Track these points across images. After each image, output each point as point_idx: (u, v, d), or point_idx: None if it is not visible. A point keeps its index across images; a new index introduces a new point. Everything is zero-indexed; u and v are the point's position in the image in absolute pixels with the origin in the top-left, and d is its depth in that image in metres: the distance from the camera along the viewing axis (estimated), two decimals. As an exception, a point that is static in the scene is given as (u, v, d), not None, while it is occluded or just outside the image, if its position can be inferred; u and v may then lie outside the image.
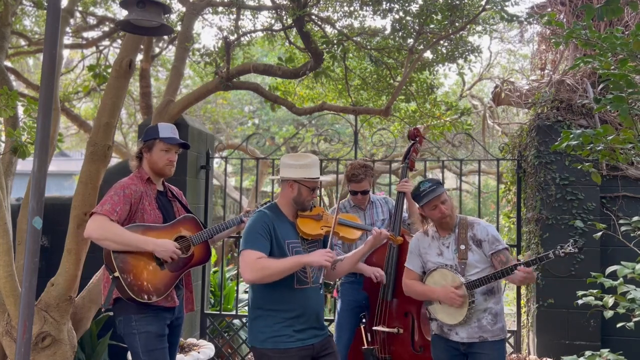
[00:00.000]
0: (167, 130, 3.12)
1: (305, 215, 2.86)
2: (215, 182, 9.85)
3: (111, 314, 3.03)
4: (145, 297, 2.88)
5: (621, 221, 3.02)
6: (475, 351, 3.08)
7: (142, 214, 2.98)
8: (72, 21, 6.89)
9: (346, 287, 3.91)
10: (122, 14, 8.30)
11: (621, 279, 2.54)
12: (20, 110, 4.28)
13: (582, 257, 4.69)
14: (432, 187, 3.07)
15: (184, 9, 5.91)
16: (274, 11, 5.48)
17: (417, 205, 3.18)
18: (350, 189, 3.81)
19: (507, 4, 4.59)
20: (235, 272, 7.03)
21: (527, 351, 5.03)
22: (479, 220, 3.19)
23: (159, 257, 2.90)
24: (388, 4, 4.83)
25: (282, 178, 2.81)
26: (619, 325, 2.71)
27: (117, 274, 2.85)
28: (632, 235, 3.05)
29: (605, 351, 2.53)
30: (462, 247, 3.08)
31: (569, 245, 2.80)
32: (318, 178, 2.81)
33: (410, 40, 5.12)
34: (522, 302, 5.13)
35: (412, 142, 3.96)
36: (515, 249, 5.14)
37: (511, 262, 2.99)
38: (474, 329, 3.06)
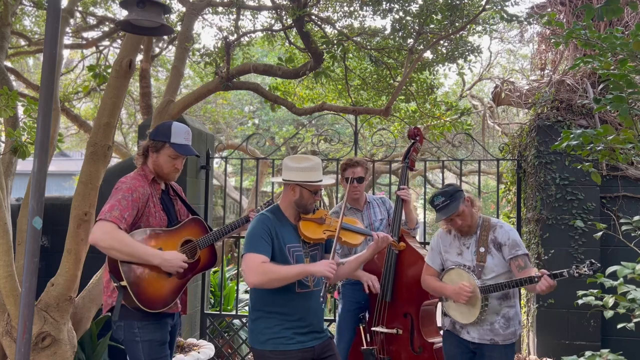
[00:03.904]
0: (180, 135, 2.92)
1: (308, 218, 2.82)
2: (215, 182, 9.85)
3: (110, 314, 2.96)
4: (153, 307, 2.80)
5: (622, 220, 3.02)
6: (485, 353, 3.10)
7: (148, 217, 2.89)
8: (72, 21, 6.89)
9: (347, 288, 3.92)
10: (122, 14, 8.31)
11: (621, 279, 2.54)
12: (20, 110, 4.29)
13: (582, 257, 4.69)
14: (445, 204, 3.05)
15: (184, 9, 5.91)
16: (274, 11, 5.49)
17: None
18: (346, 176, 3.77)
19: (507, 4, 4.59)
20: (235, 272, 7.03)
21: (527, 351, 5.03)
22: (502, 223, 3.18)
23: (166, 271, 2.82)
24: (388, 4, 4.83)
25: (284, 181, 2.78)
26: (619, 325, 2.71)
27: (124, 282, 2.74)
28: (632, 235, 3.05)
29: (605, 351, 2.53)
30: (482, 249, 3.09)
31: (584, 267, 2.76)
32: (320, 181, 2.77)
33: (410, 40, 5.12)
34: (522, 302, 5.13)
35: (412, 141, 3.96)
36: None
37: (529, 268, 3.00)
38: (486, 331, 3.09)
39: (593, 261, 2.78)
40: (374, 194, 4.38)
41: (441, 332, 3.52)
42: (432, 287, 3.26)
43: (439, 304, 4.01)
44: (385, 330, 3.62)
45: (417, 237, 4.10)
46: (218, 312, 5.48)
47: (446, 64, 5.58)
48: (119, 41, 7.81)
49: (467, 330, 3.13)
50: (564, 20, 5.93)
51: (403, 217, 3.85)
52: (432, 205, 3.12)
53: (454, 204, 3.04)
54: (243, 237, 3.83)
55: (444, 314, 3.29)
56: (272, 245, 2.69)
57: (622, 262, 2.63)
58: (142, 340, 2.82)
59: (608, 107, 2.39)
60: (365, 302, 3.80)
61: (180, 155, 2.95)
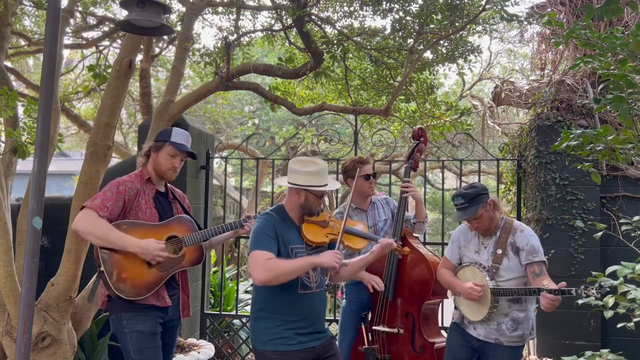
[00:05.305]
0: (180, 136, 3.09)
1: (312, 220, 2.81)
2: (215, 182, 9.85)
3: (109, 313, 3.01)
4: (129, 294, 2.83)
5: (622, 220, 3.02)
6: (489, 352, 3.12)
7: (137, 211, 2.95)
8: (72, 21, 6.89)
9: (351, 288, 3.91)
10: (122, 14, 8.30)
11: (621, 279, 2.54)
12: (20, 110, 4.29)
13: (582, 257, 4.69)
14: (463, 206, 3.07)
15: (184, 9, 5.92)
16: (274, 11, 5.49)
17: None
18: (364, 174, 3.76)
19: (507, 4, 4.59)
20: (235, 272, 7.03)
21: (527, 351, 5.03)
22: (523, 227, 3.17)
23: (143, 259, 2.86)
24: (388, 4, 4.83)
25: (289, 185, 2.76)
26: (619, 325, 2.70)
27: (102, 268, 2.82)
28: (632, 235, 3.05)
29: (605, 351, 2.53)
30: (499, 251, 3.10)
31: (593, 289, 2.72)
32: (326, 186, 2.75)
33: (410, 40, 5.12)
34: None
35: (417, 142, 3.95)
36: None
37: (544, 276, 2.98)
38: (492, 330, 3.11)
39: (602, 284, 2.71)
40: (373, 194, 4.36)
41: (443, 331, 3.53)
42: (445, 281, 3.31)
43: (444, 302, 4.02)
44: (386, 329, 3.61)
45: (420, 237, 4.09)
46: (218, 312, 5.48)
47: (446, 64, 5.57)
48: (119, 41, 7.81)
49: (474, 326, 3.16)
50: (564, 20, 5.93)
51: (407, 217, 3.84)
52: (453, 202, 3.15)
53: (472, 209, 3.05)
54: (243, 237, 3.84)
55: (455, 308, 3.33)
56: (277, 244, 2.68)
57: (622, 262, 2.63)
58: (130, 331, 2.89)
59: (608, 107, 2.39)
60: (368, 301, 3.80)
61: (179, 153, 3.07)
